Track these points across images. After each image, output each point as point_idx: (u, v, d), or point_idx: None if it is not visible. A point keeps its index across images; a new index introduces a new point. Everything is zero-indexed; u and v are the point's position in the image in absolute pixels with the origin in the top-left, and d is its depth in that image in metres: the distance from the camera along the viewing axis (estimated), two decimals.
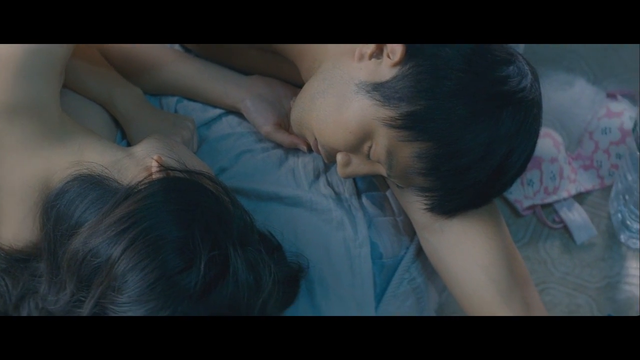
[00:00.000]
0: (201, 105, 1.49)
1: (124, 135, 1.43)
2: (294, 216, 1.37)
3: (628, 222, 1.69)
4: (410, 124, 1.22)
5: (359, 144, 1.28)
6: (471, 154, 1.23)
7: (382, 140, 1.25)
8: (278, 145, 1.45)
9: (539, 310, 1.33)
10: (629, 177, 1.63)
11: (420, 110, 1.22)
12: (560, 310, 1.61)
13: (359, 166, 1.31)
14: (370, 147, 1.27)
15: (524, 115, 1.25)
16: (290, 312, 1.25)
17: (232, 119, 1.48)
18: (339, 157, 1.31)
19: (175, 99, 1.49)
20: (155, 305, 1.08)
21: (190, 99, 1.50)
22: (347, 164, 1.31)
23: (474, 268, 1.32)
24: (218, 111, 1.48)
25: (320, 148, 1.33)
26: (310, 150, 1.41)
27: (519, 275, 1.34)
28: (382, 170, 1.30)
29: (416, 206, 1.33)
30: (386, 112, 1.23)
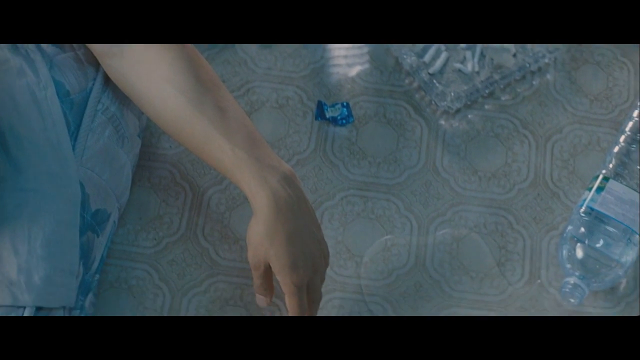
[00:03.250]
0: None
1: None
2: None
3: None
4: None
5: None
6: None
7: None
8: None
9: (234, 111, 1.34)
10: None
11: None
12: (270, 105, 1.61)
13: None
14: None
15: None
16: None
17: None
18: None
19: None
20: None
21: None
22: None
23: (159, 83, 1.32)
24: None
25: None
26: None
27: (207, 81, 1.34)
28: None
29: None
30: None
